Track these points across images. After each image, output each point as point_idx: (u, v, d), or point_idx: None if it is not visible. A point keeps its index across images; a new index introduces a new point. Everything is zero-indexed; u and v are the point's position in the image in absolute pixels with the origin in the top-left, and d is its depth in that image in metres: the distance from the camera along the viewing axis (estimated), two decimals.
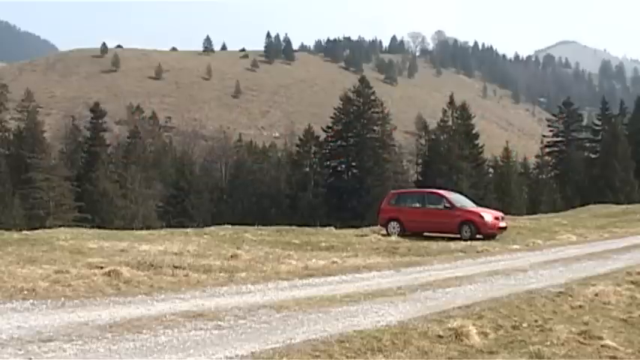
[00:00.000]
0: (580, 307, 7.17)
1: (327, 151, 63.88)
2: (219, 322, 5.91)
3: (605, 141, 64.29)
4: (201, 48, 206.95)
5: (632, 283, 8.93)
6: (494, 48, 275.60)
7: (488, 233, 18.72)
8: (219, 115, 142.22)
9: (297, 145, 67.24)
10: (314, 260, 11.99)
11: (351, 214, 52.67)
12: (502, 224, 19.41)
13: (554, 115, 73.40)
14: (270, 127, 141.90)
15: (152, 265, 9.30)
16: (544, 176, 66.47)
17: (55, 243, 12.54)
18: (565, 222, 26.79)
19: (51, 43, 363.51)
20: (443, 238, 18.19)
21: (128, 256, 10.76)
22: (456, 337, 5.41)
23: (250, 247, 14.13)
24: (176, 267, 9.36)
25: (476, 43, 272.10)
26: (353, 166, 62.93)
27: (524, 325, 6.06)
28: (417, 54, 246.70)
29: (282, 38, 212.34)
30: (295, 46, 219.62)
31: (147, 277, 8.50)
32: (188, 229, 19.38)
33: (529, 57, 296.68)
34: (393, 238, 18.06)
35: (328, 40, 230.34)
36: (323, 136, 65.35)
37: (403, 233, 19.22)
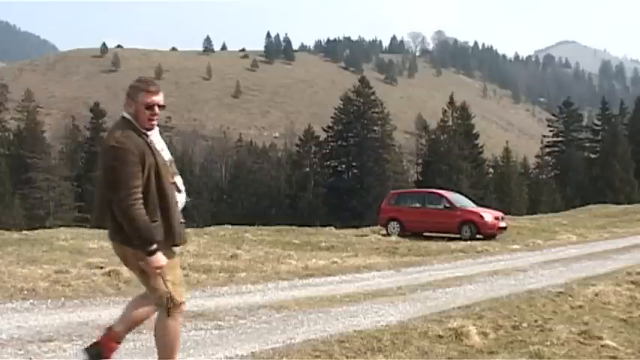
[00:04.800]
0: (580, 307, 7.16)
1: (327, 151, 63.88)
2: (219, 322, 5.92)
3: (605, 141, 64.30)
4: (201, 48, 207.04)
5: (632, 283, 8.93)
6: (494, 48, 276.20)
7: (488, 233, 18.73)
8: (219, 115, 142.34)
9: (297, 145, 67.26)
10: (314, 260, 11.99)
11: (351, 214, 52.67)
12: (502, 224, 19.41)
13: (554, 115, 73.42)
14: (270, 127, 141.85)
15: None
16: (544, 176, 66.49)
17: (55, 243, 12.53)
18: (565, 222, 26.79)
19: (51, 43, 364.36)
20: (443, 238, 18.19)
21: None
22: (456, 337, 5.41)
23: (250, 247, 14.13)
24: None
25: (476, 43, 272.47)
26: (353, 166, 62.93)
27: (524, 325, 6.06)
28: (417, 54, 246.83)
29: (282, 38, 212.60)
30: (295, 46, 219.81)
31: None
32: (188, 229, 19.36)
33: (529, 57, 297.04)
34: (393, 238, 18.07)
35: (328, 40, 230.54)
36: (323, 136, 65.36)
37: (403, 233, 19.23)
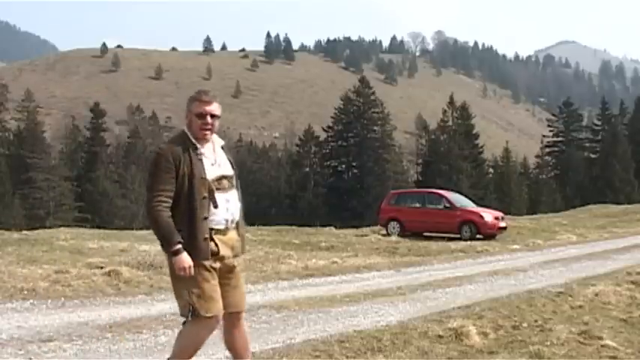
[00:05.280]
0: (580, 307, 7.16)
1: (327, 151, 63.88)
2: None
3: (605, 141, 64.28)
4: (201, 48, 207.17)
5: (632, 283, 8.92)
6: (494, 48, 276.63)
7: (488, 233, 18.73)
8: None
9: (297, 145, 67.28)
10: (314, 260, 11.98)
11: (351, 214, 52.65)
12: (502, 224, 19.41)
13: (554, 115, 73.43)
14: (270, 127, 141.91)
15: (152, 265, 9.27)
16: (544, 176, 66.48)
17: (55, 243, 12.53)
18: (565, 222, 26.78)
19: (51, 43, 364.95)
20: (443, 238, 18.18)
21: (128, 256, 10.75)
22: (456, 337, 5.40)
23: (250, 247, 14.11)
24: None
25: (476, 43, 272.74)
26: (353, 166, 62.93)
27: (524, 325, 6.06)
28: (417, 54, 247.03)
29: (282, 38, 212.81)
30: (295, 46, 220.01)
31: (147, 277, 8.48)
32: None
33: (529, 57, 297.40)
34: (393, 238, 18.07)
35: (328, 40, 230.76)
36: (323, 136, 65.36)
37: (403, 233, 19.23)
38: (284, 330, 5.67)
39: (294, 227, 21.49)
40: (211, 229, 3.52)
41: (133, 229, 28.26)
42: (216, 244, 3.52)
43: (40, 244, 12.30)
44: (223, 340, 3.79)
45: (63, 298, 6.86)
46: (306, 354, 4.81)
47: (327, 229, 22.00)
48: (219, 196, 3.54)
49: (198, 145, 3.55)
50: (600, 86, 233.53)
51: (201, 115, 3.55)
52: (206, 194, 3.49)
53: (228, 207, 3.59)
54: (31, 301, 6.63)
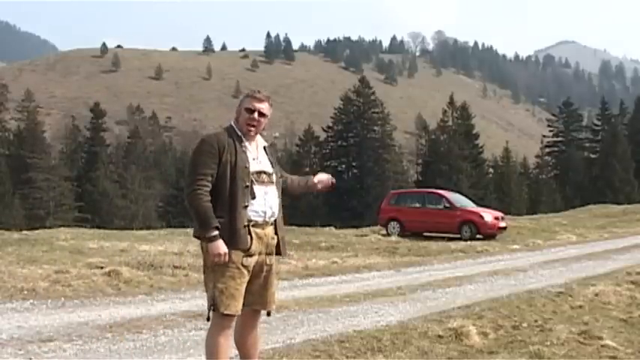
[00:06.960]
0: (580, 307, 7.16)
1: (327, 151, 63.86)
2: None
3: (605, 141, 64.25)
4: (201, 48, 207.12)
5: (632, 283, 8.92)
6: (494, 48, 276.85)
7: (488, 233, 18.74)
8: (219, 115, 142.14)
9: (297, 145, 67.27)
10: (314, 260, 11.98)
11: (351, 214, 52.62)
12: (502, 224, 19.42)
13: (554, 115, 73.41)
14: (270, 127, 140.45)
15: (152, 265, 9.27)
16: (544, 176, 66.43)
17: (55, 243, 12.55)
18: (565, 222, 26.78)
19: (51, 43, 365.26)
20: (443, 238, 18.19)
21: (128, 256, 10.75)
22: (456, 337, 5.41)
23: None
24: (176, 267, 9.34)
25: (476, 43, 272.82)
26: (353, 166, 62.91)
27: (524, 325, 6.06)
28: (417, 54, 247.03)
29: (282, 38, 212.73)
30: (295, 46, 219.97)
31: (147, 277, 8.48)
32: (188, 229, 19.37)
33: (529, 57, 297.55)
34: (393, 238, 18.09)
35: (328, 40, 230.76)
36: (323, 136, 65.35)
37: (403, 233, 19.24)
38: (284, 330, 5.67)
39: (294, 227, 21.47)
40: (249, 220, 3.52)
41: (133, 229, 28.26)
42: (252, 237, 3.52)
43: (40, 244, 12.31)
44: (234, 336, 3.73)
45: (63, 298, 6.86)
46: (306, 354, 4.81)
47: (327, 229, 22.03)
48: (257, 188, 3.57)
49: (243, 138, 3.63)
50: (600, 86, 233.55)
51: (250, 110, 3.64)
52: (248, 183, 3.53)
53: (266, 199, 3.59)
54: (31, 301, 6.63)
